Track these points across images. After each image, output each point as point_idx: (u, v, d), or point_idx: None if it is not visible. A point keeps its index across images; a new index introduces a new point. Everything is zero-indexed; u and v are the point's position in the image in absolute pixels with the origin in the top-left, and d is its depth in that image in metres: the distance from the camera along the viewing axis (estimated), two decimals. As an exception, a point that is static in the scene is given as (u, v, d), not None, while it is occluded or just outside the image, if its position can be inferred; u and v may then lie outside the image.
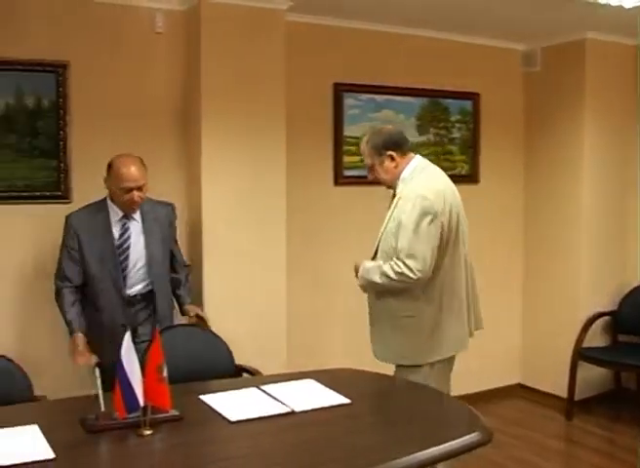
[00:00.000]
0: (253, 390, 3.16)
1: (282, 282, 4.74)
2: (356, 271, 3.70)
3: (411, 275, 3.44)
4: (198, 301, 4.53)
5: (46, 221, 4.18)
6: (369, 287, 3.65)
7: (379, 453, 2.55)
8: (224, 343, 3.95)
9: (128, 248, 3.88)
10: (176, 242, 4.24)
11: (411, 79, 5.48)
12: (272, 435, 2.72)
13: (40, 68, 4.25)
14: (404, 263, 3.45)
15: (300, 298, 5.00)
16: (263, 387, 3.18)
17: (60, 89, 4.30)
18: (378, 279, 3.54)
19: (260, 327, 4.62)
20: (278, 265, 4.71)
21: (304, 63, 4.99)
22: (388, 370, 3.67)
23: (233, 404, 2.97)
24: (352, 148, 5.14)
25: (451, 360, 3.78)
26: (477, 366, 5.78)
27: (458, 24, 5.35)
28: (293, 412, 2.88)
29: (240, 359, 3.95)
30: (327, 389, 3.17)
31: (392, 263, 3.49)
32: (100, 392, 2.75)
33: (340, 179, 5.24)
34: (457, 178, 5.69)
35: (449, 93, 5.71)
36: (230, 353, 3.93)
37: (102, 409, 2.72)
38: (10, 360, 3.41)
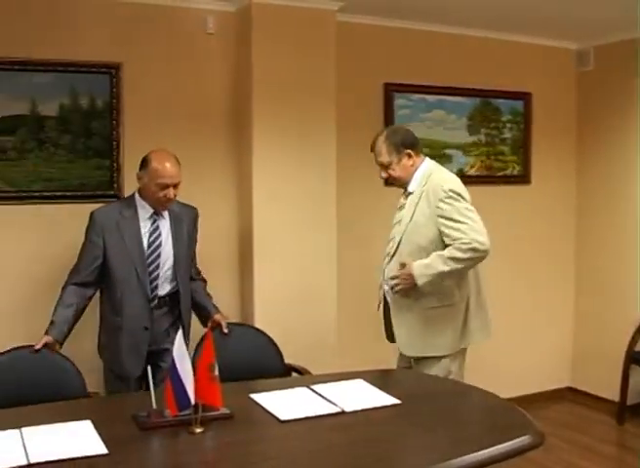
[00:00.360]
0: (303, 389, 3.17)
1: (333, 283, 4.74)
2: (406, 277, 3.66)
3: (481, 247, 3.53)
4: (248, 301, 4.56)
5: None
6: (432, 281, 3.61)
7: (429, 455, 2.55)
8: (274, 342, 3.96)
9: (159, 246, 3.76)
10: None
11: (462, 79, 5.45)
12: (322, 434, 2.72)
13: (94, 69, 4.32)
14: (471, 239, 3.52)
15: (351, 299, 4.99)
16: (313, 387, 3.18)
17: (114, 90, 4.36)
18: (443, 267, 3.56)
19: (310, 327, 4.63)
20: (328, 266, 4.71)
21: (355, 64, 4.99)
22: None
23: (283, 403, 2.98)
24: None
25: (465, 349, 3.86)
26: (526, 368, 5.76)
27: (510, 24, 5.30)
28: (343, 412, 2.88)
29: (290, 358, 3.96)
30: (376, 389, 3.16)
31: (457, 245, 3.55)
32: (152, 389, 2.78)
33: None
34: (508, 179, 5.76)
35: (500, 93, 5.66)
36: (280, 352, 3.94)
37: (154, 406, 2.75)
38: (65, 357, 3.46)
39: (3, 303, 4.13)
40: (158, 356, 3.79)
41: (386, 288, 3.81)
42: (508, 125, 5.76)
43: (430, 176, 3.75)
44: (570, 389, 6.14)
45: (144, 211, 3.76)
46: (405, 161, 3.78)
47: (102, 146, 4.36)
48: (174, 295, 3.83)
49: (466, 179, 5.38)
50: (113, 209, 3.80)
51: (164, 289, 3.80)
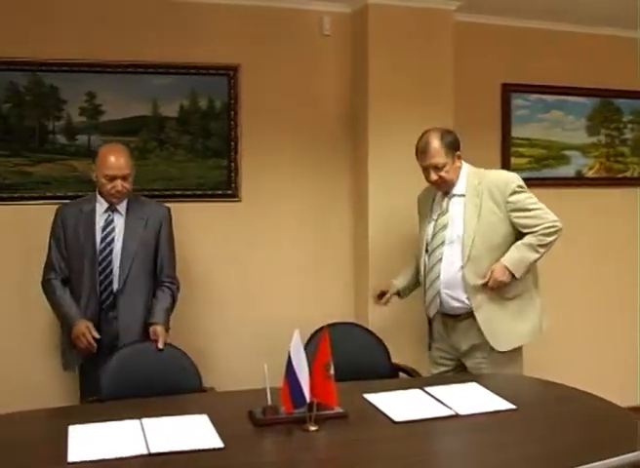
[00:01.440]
0: (416, 391, 3.15)
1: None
2: (503, 273, 3.64)
3: (560, 225, 3.65)
4: (363, 298, 4.55)
5: (217, 218, 4.34)
6: (525, 271, 3.69)
7: (544, 463, 2.49)
8: (382, 342, 3.92)
9: (111, 242, 3.69)
10: (171, 250, 3.89)
11: (581, 78, 5.31)
12: (436, 437, 2.71)
13: (213, 71, 4.42)
14: (551, 221, 3.64)
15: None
16: (427, 389, 3.16)
17: (232, 91, 4.46)
18: (535, 255, 3.65)
19: (421, 326, 4.60)
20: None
21: (472, 64, 4.93)
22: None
23: (397, 404, 2.97)
24: (520, 150, 5.03)
25: None
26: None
27: (631, 20, 5.14)
28: (457, 416, 2.85)
29: (403, 359, 3.95)
30: (491, 393, 3.12)
31: (542, 231, 3.62)
32: (268, 386, 2.81)
33: (507, 181, 5.14)
34: (628, 181, 5.59)
35: (621, 92, 5.49)
36: (387, 352, 3.90)
37: (269, 403, 2.78)
38: (184, 354, 3.52)
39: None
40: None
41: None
42: (630, 125, 5.59)
43: (484, 176, 3.78)
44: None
45: (101, 206, 3.73)
46: (456, 163, 3.75)
47: (220, 146, 4.45)
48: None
49: (585, 181, 5.34)
50: (76, 204, 3.81)
51: (113, 287, 3.71)
